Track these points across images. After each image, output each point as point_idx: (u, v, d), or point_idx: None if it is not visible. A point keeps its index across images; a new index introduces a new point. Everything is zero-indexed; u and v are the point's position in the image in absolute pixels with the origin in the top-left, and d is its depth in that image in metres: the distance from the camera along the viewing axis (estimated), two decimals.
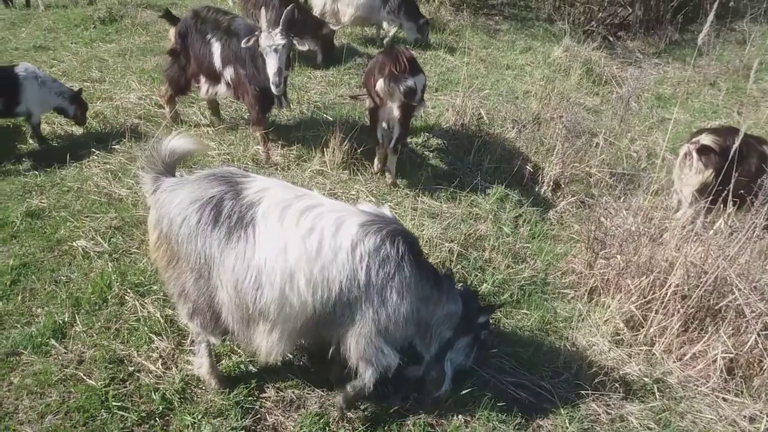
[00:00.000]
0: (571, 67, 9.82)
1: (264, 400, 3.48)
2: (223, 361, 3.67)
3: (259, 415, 3.37)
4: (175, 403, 3.35)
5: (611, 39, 12.06)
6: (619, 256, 4.75)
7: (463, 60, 9.29)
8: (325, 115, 7.00)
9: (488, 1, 13.55)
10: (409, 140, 6.65)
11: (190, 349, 3.69)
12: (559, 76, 9.52)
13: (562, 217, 5.88)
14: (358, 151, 6.12)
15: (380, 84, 5.36)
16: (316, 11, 9.56)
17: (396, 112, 5.50)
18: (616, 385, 3.96)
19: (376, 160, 5.97)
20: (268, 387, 3.54)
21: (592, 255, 4.93)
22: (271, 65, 5.14)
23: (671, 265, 4.42)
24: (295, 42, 5.20)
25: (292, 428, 3.35)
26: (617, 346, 4.27)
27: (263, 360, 3.21)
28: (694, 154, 5.44)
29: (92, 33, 9.11)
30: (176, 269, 3.02)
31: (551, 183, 6.22)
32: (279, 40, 5.07)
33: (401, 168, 6.09)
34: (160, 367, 3.56)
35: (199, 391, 3.46)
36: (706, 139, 5.46)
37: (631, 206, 5.25)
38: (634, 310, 4.45)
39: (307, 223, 2.85)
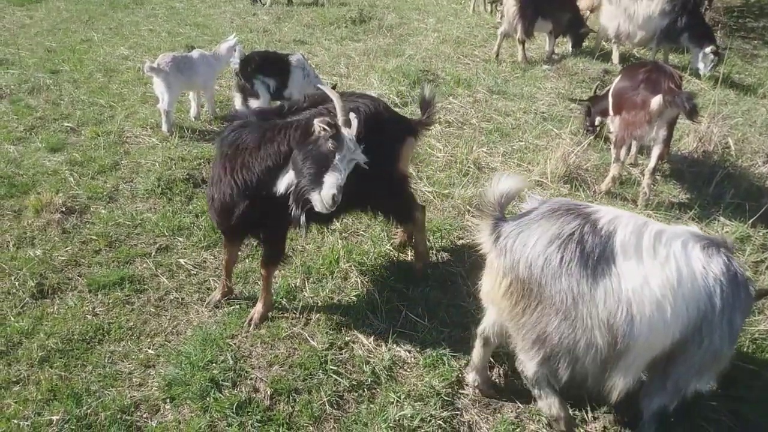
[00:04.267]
0: None
1: (462, 396, 3.55)
2: (428, 350, 3.81)
3: (456, 410, 3.45)
4: (383, 379, 3.57)
5: None
6: None
7: (711, 84, 8.50)
8: (551, 127, 6.88)
9: (746, 24, 12.24)
10: (640, 161, 6.28)
11: (400, 331, 3.90)
12: None
13: None
14: (584, 166, 5.95)
15: (657, 100, 5.12)
16: (610, 33, 9.52)
17: (663, 131, 5.31)
18: None
19: (609, 178, 5.74)
20: (466, 384, 3.61)
21: None
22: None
23: None
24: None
25: (486, 430, 3.38)
26: None
27: (613, 399, 3.04)
28: None
29: (343, 31, 9.99)
30: (535, 313, 2.90)
31: None
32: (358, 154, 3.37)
33: (628, 187, 5.79)
34: (372, 342, 3.81)
35: (404, 373, 3.64)
36: None
37: None
38: None
39: (662, 251, 2.78)
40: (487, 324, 3.37)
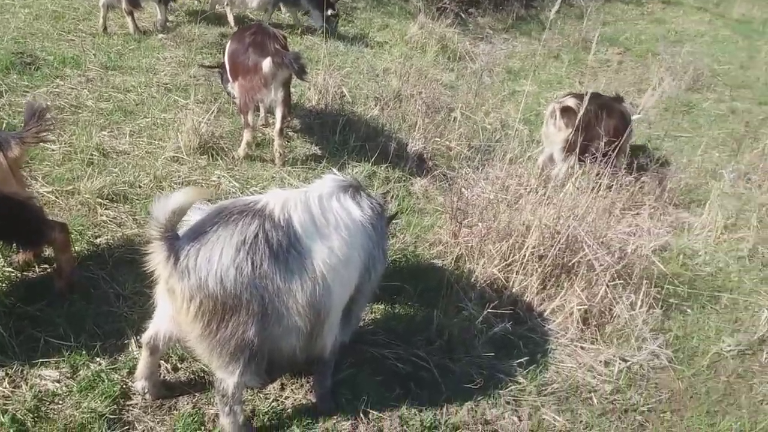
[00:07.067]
0: (427, 43, 10.04)
1: (130, 408, 3.25)
2: (81, 372, 3.37)
3: (126, 425, 3.15)
4: (28, 424, 3.02)
5: (463, 16, 12.42)
6: (480, 224, 4.93)
7: (322, 38, 9.18)
8: (177, 98, 6.61)
9: None
10: (271, 120, 6.48)
11: (43, 362, 3.36)
12: (416, 53, 9.71)
13: (427, 191, 6.02)
14: (218, 134, 5.88)
15: (267, 63, 5.14)
16: None
17: (280, 92, 5.43)
18: (487, 346, 4.14)
19: (243, 144, 5.76)
20: (133, 394, 3.31)
21: (455, 225, 5.09)
22: None
23: (528, 228, 4.67)
24: None
25: None
26: (484, 309, 4.41)
27: (328, 355, 3.29)
28: (558, 113, 5.98)
29: None
30: (230, 326, 2.76)
31: (415, 158, 6.34)
32: None
33: (265, 148, 5.94)
34: (7, 387, 3.19)
35: (56, 407, 3.15)
36: (570, 101, 6.02)
37: (488, 176, 5.48)
38: (497, 273, 4.66)
39: (330, 216, 3.01)
40: (154, 333, 3.12)
